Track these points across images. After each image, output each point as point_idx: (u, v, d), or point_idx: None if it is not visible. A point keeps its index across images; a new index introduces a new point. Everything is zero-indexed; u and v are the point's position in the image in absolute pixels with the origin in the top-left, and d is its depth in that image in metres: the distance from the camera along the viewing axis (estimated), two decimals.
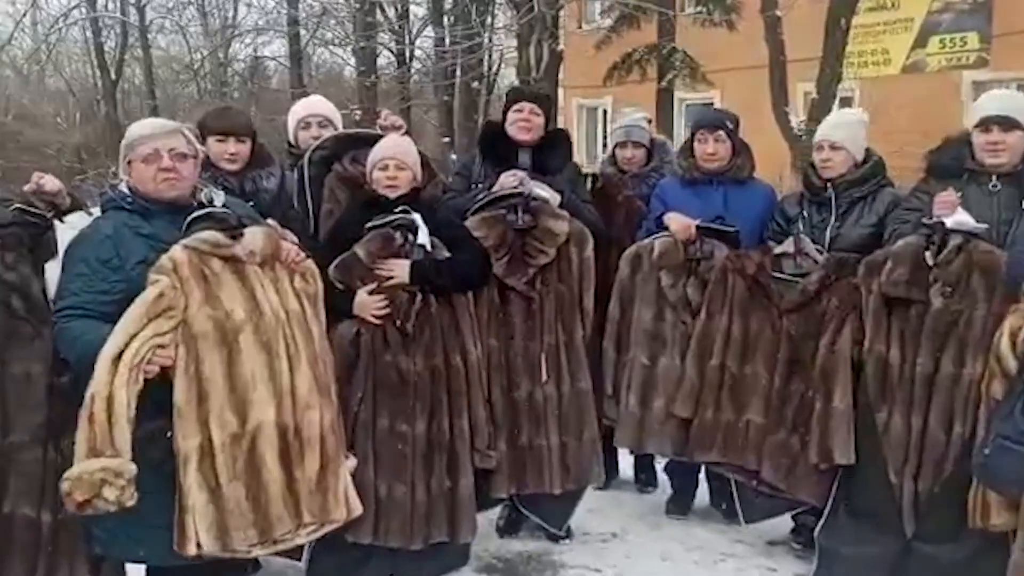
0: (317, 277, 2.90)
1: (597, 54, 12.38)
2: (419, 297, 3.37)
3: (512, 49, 17.86)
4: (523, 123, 3.91)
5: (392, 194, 3.48)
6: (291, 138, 4.05)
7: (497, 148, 3.94)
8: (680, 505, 4.28)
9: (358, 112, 14.38)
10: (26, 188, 2.99)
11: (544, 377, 3.68)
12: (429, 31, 20.83)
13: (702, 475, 4.25)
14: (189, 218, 2.73)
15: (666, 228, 3.87)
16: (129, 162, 2.78)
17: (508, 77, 20.29)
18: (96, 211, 2.97)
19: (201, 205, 2.78)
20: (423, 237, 3.43)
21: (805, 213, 3.72)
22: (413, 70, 21.76)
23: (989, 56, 14.80)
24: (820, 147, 3.66)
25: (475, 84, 19.24)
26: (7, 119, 22.63)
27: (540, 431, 3.69)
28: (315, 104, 4.09)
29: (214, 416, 2.59)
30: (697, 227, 3.79)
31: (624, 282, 3.91)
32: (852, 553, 3.38)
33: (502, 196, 3.70)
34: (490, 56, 20.48)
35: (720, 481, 4.12)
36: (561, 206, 3.75)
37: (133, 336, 2.52)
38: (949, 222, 3.14)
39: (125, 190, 2.79)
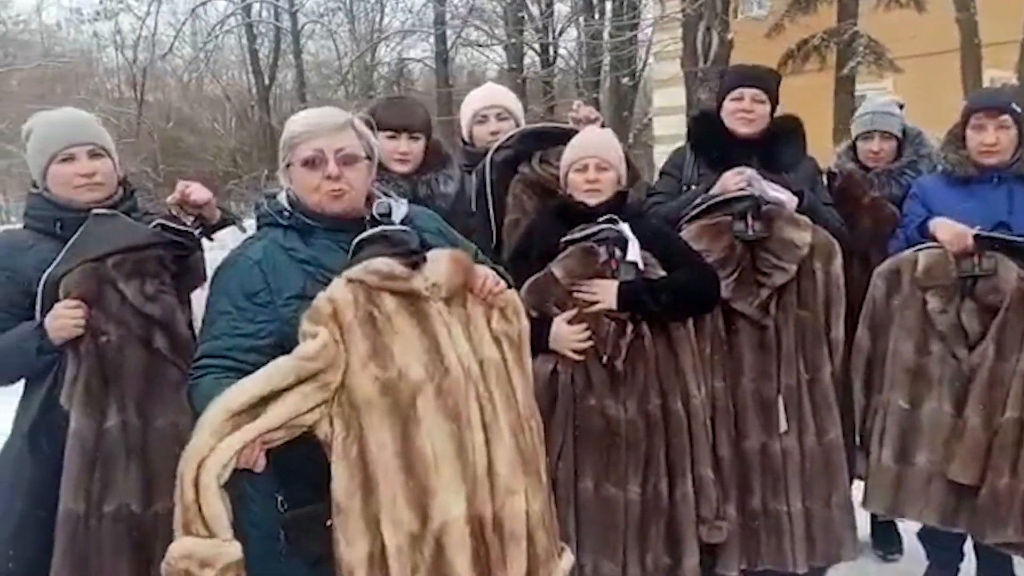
0: (521, 313, 2.22)
1: (760, 43, 11.43)
2: (630, 326, 2.73)
3: (661, 42, 17.07)
4: (743, 114, 3.20)
5: (593, 200, 2.85)
6: (465, 134, 3.45)
7: (713, 142, 3.24)
8: None
9: None
10: (170, 199, 2.50)
11: (783, 426, 2.95)
12: (572, 28, 20.35)
13: (968, 543, 3.41)
14: (357, 240, 2.12)
15: (931, 237, 3.08)
16: (288, 165, 2.21)
17: (659, 72, 19.40)
18: (251, 225, 2.44)
19: (375, 221, 2.19)
20: (634, 252, 2.77)
21: None
22: (557, 68, 21.25)
23: None
24: None
25: (624, 80, 18.57)
26: (168, 126, 23.35)
27: (778, 494, 2.95)
28: (493, 93, 3.47)
29: (385, 513, 1.94)
30: (975, 236, 2.98)
31: (878, 304, 3.13)
32: None
33: (726, 200, 3.00)
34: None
35: (996, 555, 3.29)
36: (799, 210, 3.02)
37: (272, 394, 1.89)
38: None
39: (283, 201, 2.22)
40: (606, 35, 19.12)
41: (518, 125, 3.35)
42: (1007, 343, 2.90)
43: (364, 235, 2.11)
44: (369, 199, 2.24)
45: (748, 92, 3.19)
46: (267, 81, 22.76)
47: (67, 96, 17.93)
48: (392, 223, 2.17)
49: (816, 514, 2.98)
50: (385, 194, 2.28)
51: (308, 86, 25.07)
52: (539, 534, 2.10)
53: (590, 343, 2.70)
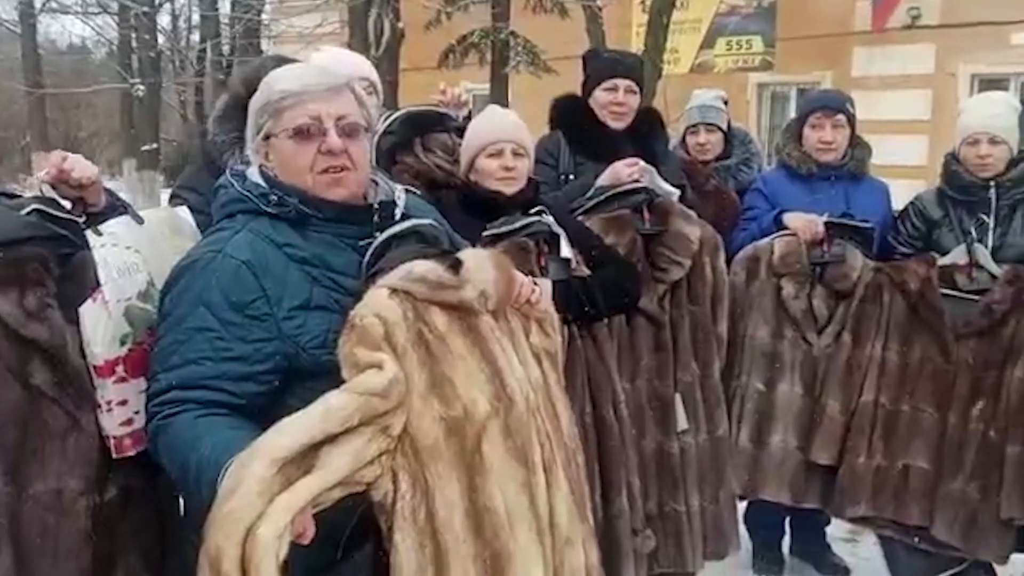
0: (557, 326, 1.89)
1: (424, 35, 11.44)
2: (565, 329, 2.47)
3: (293, 28, 16.51)
4: (616, 108, 3.09)
5: (509, 189, 2.55)
6: None
7: (586, 133, 3.08)
8: (771, 562, 3.63)
9: (141, 88, 12.50)
10: (42, 176, 1.77)
11: (683, 424, 2.87)
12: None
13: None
14: (383, 236, 1.66)
15: (785, 228, 3.18)
16: (267, 136, 1.66)
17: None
18: (170, 216, 1.81)
19: (383, 209, 1.73)
20: (566, 248, 2.52)
21: (952, 216, 3.16)
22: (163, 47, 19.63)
23: (773, 59, 15.44)
24: (975, 140, 3.10)
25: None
26: None
27: (677, 494, 2.87)
28: (353, 61, 2.94)
29: None
30: (825, 223, 3.12)
31: (738, 290, 3.17)
32: None
33: (620, 192, 2.86)
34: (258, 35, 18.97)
35: (810, 531, 3.59)
36: (681, 202, 2.97)
37: (327, 439, 1.42)
38: None
39: (259, 181, 1.66)
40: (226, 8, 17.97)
41: (380, 103, 2.91)
42: (863, 332, 3.09)
43: (395, 230, 1.66)
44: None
45: (622, 83, 3.08)
46: None
47: None
48: (416, 216, 1.74)
49: (709, 512, 2.95)
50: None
51: None
52: None
53: None
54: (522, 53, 11.00)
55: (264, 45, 20.13)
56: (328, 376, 1.52)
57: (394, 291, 1.56)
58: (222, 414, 1.52)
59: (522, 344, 1.75)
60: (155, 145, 13.68)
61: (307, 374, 1.58)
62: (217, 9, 17.27)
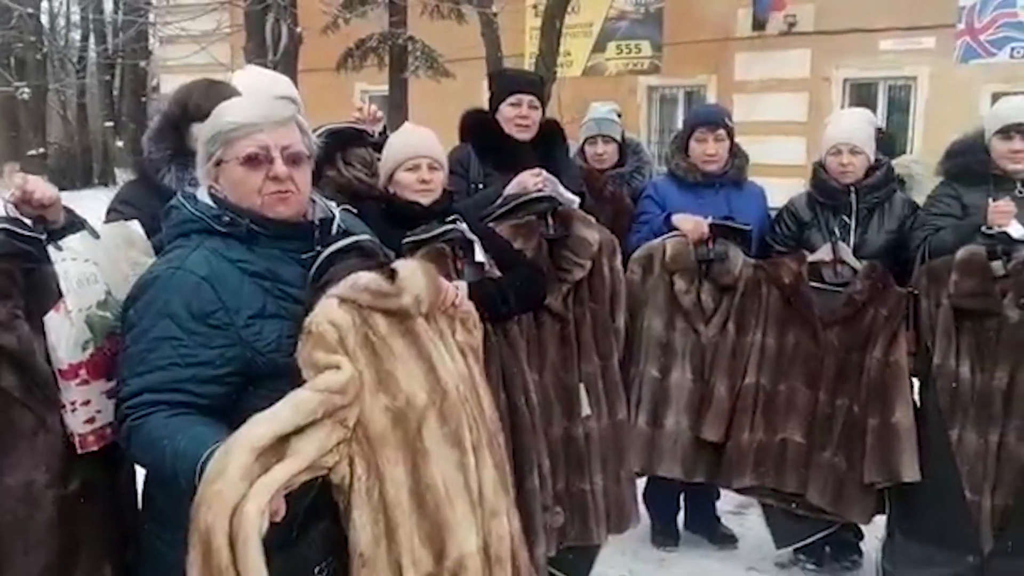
0: (479, 324, 2.15)
1: (322, 39, 11.51)
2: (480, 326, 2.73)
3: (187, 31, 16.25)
4: (521, 120, 3.36)
5: (426, 200, 2.78)
6: None
7: (495, 145, 3.34)
8: (668, 535, 3.96)
9: (26, 91, 12.17)
10: (7, 197, 1.93)
11: (586, 411, 3.16)
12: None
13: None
14: (328, 251, 1.88)
15: (674, 229, 3.51)
16: (219, 162, 1.86)
17: (171, 54, 18.35)
18: (124, 230, 1.99)
19: (323, 225, 1.95)
20: (480, 253, 2.77)
21: (820, 218, 3.55)
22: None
23: (661, 63, 15.99)
24: (838, 151, 3.49)
25: (142, 64, 17.36)
26: None
27: (583, 474, 3.15)
28: (273, 78, 3.12)
29: (406, 555, 1.79)
30: (710, 225, 3.47)
31: (635, 286, 3.49)
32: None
33: (526, 201, 3.12)
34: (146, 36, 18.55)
35: (701, 506, 3.94)
36: (581, 208, 3.26)
37: (296, 431, 1.65)
38: (1014, 232, 3.13)
39: (209, 201, 1.86)
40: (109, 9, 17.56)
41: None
42: (745, 322, 3.46)
43: (338, 246, 1.88)
44: None
45: (525, 98, 3.35)
46: None
47: None
48: (351, 232, 1.97)
49: (610, 489, 3.24)
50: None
51: None
52: (521, 554, 2.07)
53: None
54: (420, 57, 11.20)
55: (152, 46, 19.73)
56: (282, 375, 1.74)
57: (343, 300, 1.79)
58: (190, 413, 1.71)
59: (449, 341, 2.01)
60: (42, 149, 13.30)
61: (263, 374, 1.79)
62: (103, 12, 16.84)
